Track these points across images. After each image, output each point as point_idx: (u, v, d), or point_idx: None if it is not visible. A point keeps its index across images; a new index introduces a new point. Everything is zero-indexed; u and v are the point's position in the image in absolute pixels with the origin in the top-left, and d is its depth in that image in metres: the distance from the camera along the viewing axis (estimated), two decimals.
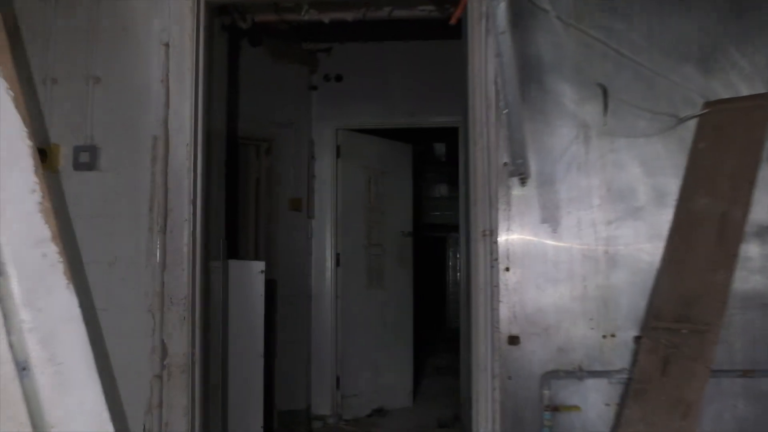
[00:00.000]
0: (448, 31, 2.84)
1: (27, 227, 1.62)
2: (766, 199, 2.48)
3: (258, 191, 4.86)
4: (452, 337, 9.59)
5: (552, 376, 2.52)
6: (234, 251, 4.70)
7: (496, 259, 2.56)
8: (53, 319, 1.62)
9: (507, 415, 2.53)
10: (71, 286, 1.70)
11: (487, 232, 2.56)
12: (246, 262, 3.36)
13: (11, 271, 1.55)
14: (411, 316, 5.55)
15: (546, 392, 2.51)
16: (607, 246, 2.56)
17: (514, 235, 2.58)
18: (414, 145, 5.75)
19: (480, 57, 2.60)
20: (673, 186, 2.53)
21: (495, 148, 2.57)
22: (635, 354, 2.49)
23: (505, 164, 2.58)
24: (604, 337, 2.54)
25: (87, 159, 2.60)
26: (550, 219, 2.58)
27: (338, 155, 5.10)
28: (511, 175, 2.55)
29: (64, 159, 2.61)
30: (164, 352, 2.56)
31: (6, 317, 1.53)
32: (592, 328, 2.55)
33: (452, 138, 7.73)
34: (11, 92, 1.69)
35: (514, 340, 2.56)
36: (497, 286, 2.55)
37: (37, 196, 1.66)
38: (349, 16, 3.51)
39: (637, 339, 2.50)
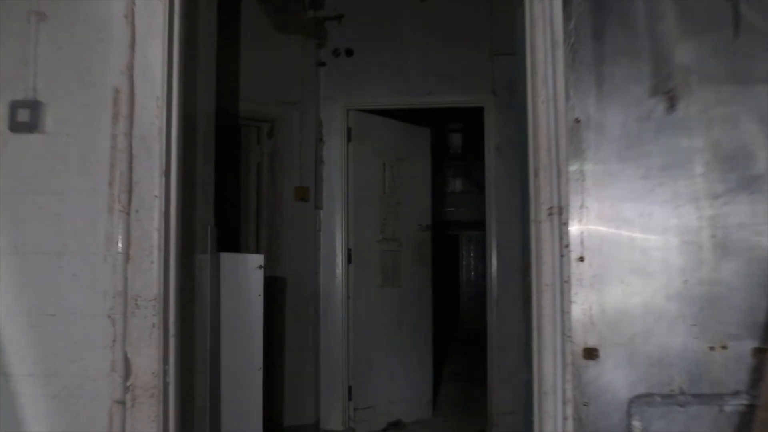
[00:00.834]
0: None
1: None
2: None
3: (260, 179, 4.18)
4: (468, 339, 8.95)
5: (643, 401, 1.83)
6: (236, 247, 4.03)
7: (567, 246, 1.86)
8: None
9: None
10: None
11: (555, 210, 1.87)
12: (241, 255, 2.68)
13: None
14: (430, 318, 4.86)
15: (637, 423, 1.81)
16: (713, 228, 1.86)
17: (591, 214, 1.89)
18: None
19: None
20: None
21: (563, 100, 1.88)
22: (755, 371, 1.80)
23: (578, 120, 1.89)
24: (711, 348, 1.84)
25: (27, 118, 1.93)
26: (638, 192, 1.88)
27: (349, 139, 4.42)
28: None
29: None
30: (127, 369, 1.87)
31: None
32: (696, 337, 1.85)
33: (471, 124, 7.01)
34: None
35: (591, 353, 1.86)
36: (568, 281, 1.86)
37: None
38: None
39: (759, 351, 1.81)
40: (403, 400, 4.58)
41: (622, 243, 1.88)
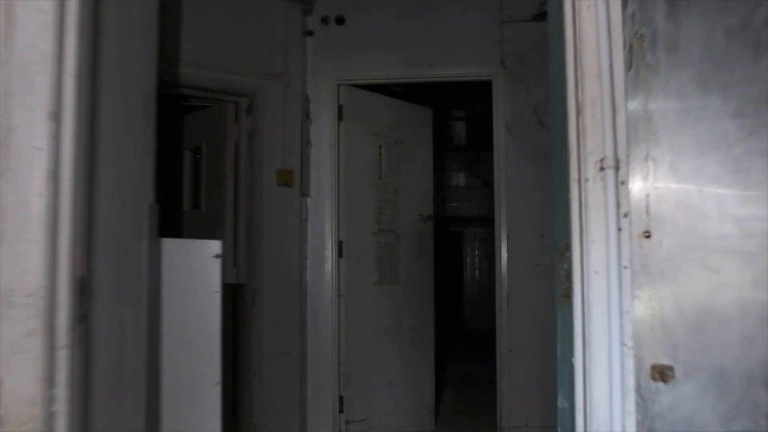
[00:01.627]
0: None
1: None
2: None
3: (237, 160, 3.58)
4: (471, 340, 8.33)
5: None
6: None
7: (627, 216, 1.25)
8: None
9: None
10: None
11: (608, 164, 1.25)
12: (191, 241, 2.08)
13: None
14: (432, 318, 4.25)
15: None
16: None
17: (660, 170, 1.27)
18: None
19: None
20: None
21: (619, 4, 1.27)
22: None
23: (640, 36, 1.28)
24: None
25: None
26: (730, 137, 1.26)
27: (340, 117, 3.81)
28: None
29: None
30: None
31: None
32: None
33: (476, 109, 6.42)
34: None
35: (663, 371, 1.24)
36: (629, 267, 1.24)
37: None
38: None
39: None
40: (401, 411, 3.96)
41: (708, 211, 1.26)
